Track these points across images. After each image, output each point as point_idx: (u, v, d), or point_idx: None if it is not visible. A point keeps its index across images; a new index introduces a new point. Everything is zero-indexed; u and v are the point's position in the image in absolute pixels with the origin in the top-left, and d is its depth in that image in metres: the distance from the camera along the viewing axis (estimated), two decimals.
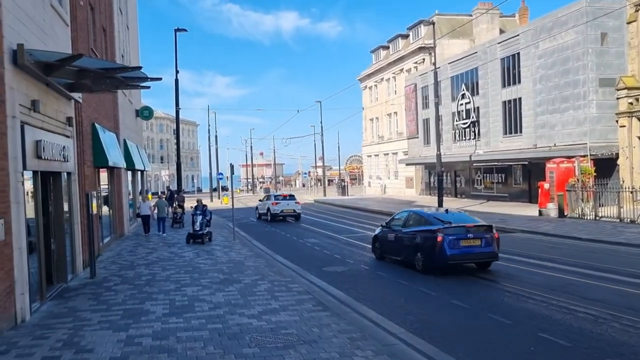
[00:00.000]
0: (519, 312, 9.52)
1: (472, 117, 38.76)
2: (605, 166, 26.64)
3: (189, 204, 28.27)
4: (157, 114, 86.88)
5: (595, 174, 25.48)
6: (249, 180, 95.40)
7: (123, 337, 7.87)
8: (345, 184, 62.48)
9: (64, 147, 11.65)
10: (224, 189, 65.04)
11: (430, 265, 13.15)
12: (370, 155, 62.66)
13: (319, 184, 75.76)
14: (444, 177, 39.24)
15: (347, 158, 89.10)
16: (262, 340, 7.63)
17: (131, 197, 26.62)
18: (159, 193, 41.20)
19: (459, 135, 40.97)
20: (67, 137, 12.41)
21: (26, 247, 9.13)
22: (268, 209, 30.94)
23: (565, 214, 24.63)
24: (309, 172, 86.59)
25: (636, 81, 25.65)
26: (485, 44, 37.97)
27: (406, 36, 53.99)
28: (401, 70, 53.08)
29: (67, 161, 12.03)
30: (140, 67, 11.18)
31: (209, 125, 64.48)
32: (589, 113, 27.63)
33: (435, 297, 10.87)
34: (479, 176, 40.05)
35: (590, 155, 26.63)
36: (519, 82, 33.30)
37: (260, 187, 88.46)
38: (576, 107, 28.32)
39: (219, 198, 57.94)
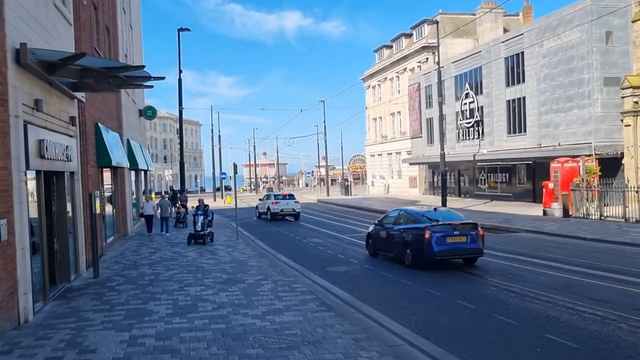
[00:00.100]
0: (525, 312, 9.44)
1: (476, 117, 38.65)
2: (610, 165, 26.50)
3: (192, 203, 28.24)
4: (160, 114, 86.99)
5: (600, 173, 25.36)
6: (252, 180, 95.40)
7: (126, 338, 7.83)
8: (349, 183, 62.45)
9: (67, 146, 11.62)
10: (227, 188, 65.02)
11: (418, 260, 13.85)
12: (374, 155, 62.56)
13: (322, 183, 75.70)
14: (448, 177, 39.09)
15: (350, 158, 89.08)
16: (266, 340, 7.57)
17: (134, 196, 26.60)
18: (162, 193, 41.18)
19: (463, 135, 40.85)
20: (70, 136, 12.38)
21: (29, 247, 9.10)
22: (268, 208, 31.43)
23: (570, 213, 24.51)
24: (312, 171, 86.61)
25: None
26: (489, 43, 37.84)
27: (409, 35, 53.87)
28: (404, 69, 52.98)
29: (70, 161, 12.00)
30: (143, 66, 11.13)
31: (212, 125, 64.32)
32: (593, 112, 27.50)
33: (440, 298, 10.80)
34: (482, 176, 39.93)
35: (595, 154, 26.50)
36: (523, 81, 33.18)
37: (263, 187, 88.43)
38: (581, 106, 28.20)
39: (222, 198, 57.93)
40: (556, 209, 25.22)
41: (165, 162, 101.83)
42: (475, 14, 47.26)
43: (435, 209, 15.43)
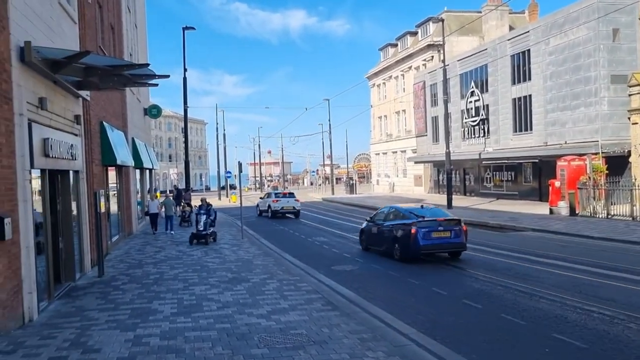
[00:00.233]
0: (533, 312, 9.35)
1: (482, 115, 38.47)
2: (617, 164, 26.30)
3: (196, 202, 28.22)
4: (165, 113, 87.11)
5: (607, 171, 25.21)
6: (257, 178, 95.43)
7: (131, 337, 7.79)
8: (354, 182, 62.34)
9: (71, 145, 11.60)
10: (232, 187, 65.05)
11: (406, 254, 14.73)
12: (379, 154, 62.44)
13: (327, 182, 75.63)
14: (453, 175, 38.95)
15: (355, 156, 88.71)
16: (271, 340, 7.52)
17: (139, 195, 26.61)
18: (167, 192, 41.22)
19: (468, 133, 40.68)
20: (75, 135, 12.36)
21: (34, 245, 9.07)
22: (269, 206, 32.24)
23: (577, 212, 24.36)
24: (317, 170, 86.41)
25: None
26: (495, 40, 37.64)
27: (415, 33, 53.74)
28: (410, 68, 52.83)
29: (75, 159, 11.97)
30: (147, 64, 11.08)
31: (217, 124, 64.45)
32: (600, 110, 27.30)
33: (446, 297, 10.72)
34: (488, 174, 39.76)
35: (602, 152, 26.32)
36: (529, 79, 32.99)
37: (268, 186, 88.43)
38: (587, 104, 28.01)
39: (227, 196, 57.96)
40: (563, 207, 25.07)
41: (170, 161, 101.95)
42: (480, 12, 47.08)
43: (422, 206, 16.49)
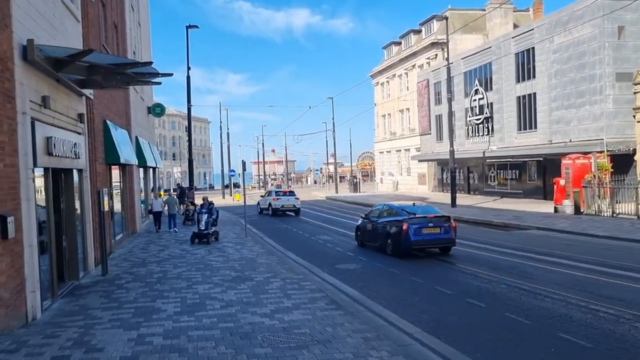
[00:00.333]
0: (537, 311, 9.29)
1: (486, 113, 38.35)
2: (622, 162, 26.17)
3: (199, 201, 28.22)
4: (169, 111, 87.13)
5: (612, 170, 25.06)
6: (260, 177, 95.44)
7: (134, 336, 7.77)
8: (357, 180, 62.24)
9: (75, 143, 11.59)
10: (236, 185, 65.07)
11: (397, 249, 15.36)
12: (383, 152, 62.35)
13: (330, 180, 75.56)
14: (457, 174, 38.84)
15: (359, 155, 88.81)
16: (275, 339, 7.49)
17: (143, 194, 26.62)
18: (171, 190, 41.29)
19: (472, 131, 40.56)
20: (79, 133, 12.35)
21: (37, 244, 9.06)
22: (269, 204, 32.72)
23: (582, 210, 24.25)
24: (321, 168, 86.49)
25: None
26: (499, 38, 37.50)
27: (418, 32, 53.60)
28: (413, 66, 52.70)
29: (79, 158, 11.97)
30: (151, 63, 11.05)
31: (220, 123, 64.28)
32: (605, 108, 27.18)
33: (450, 296, 10.67)
34: (492, 172, 39.65)
35: (607, 150, 26.18)
36: (534, 77, 32.86)
37: (272, 184, 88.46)
38: (592, 102, 27.88)
39: (231, 195, 57.99)
40: (567, 206, 24.97)
41: (174, 160, 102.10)
42: (484, 10, 46.93)
43: (414, 204, 17.28)
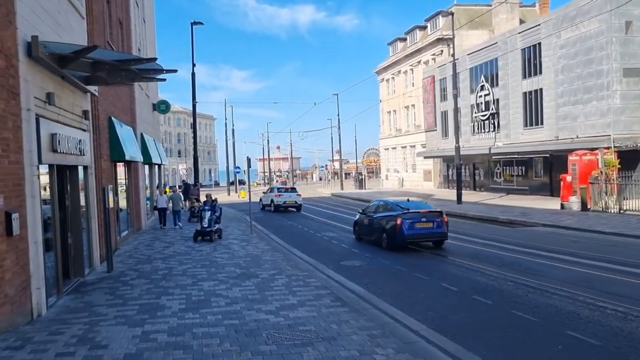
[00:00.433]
0: (544, 308, 9.22)
1: (492, 109, 38.17)
2: (630, 158, 25.98)
3: (204, 197, 28.24)
4: (174, 108, 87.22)
5: (619, 166, 24.88)
6: (265, 174, 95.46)
7: (138, 333, 7.75)
8: (363, 177, 62.15)
9: (80, 140, 11.58)
10: (241, 182, 65.12)
11: (392, 243, 16.00)
12: (388, 149, 62.22)
13: (335, 177, 75.50)
14: (463, 170, 38.74)
15: (364, 151, 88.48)
16: (280, 337, 7.45)
17: (148, 191, 26.65)
18: (176, 187, 41.35)
19: (478, 128, 40.38)
20: (84, 130, 12.34)
21: (42, 241, 9.06)
22: (272, 200, 33.43)
23: (588, 207, 24.11)
24: (326, 165, 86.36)
25: None
26: (505, 34, 37.28)
27: (424, 27, 53.38)
28: (419, 62, 52.51)
29: (84, 155, 11.96)
30: (155, 59, 11.03)
31: (225, 119, 64.28)
32: (612, 104, 26.98)
33: (456, 293, 10.61)
34: (498, 169, 39.49)
35: (614, 147, 25.99)
36: (540, 72, 32.66)
37: (277, 181, 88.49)
38: (599, 98, 27.68)
39: (236, 192, 58.04)
40: (574, 202, 24.83)
41: (179, 156, 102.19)
42: (490, 5, 46.67)
43: (408, 200, 18.05)
